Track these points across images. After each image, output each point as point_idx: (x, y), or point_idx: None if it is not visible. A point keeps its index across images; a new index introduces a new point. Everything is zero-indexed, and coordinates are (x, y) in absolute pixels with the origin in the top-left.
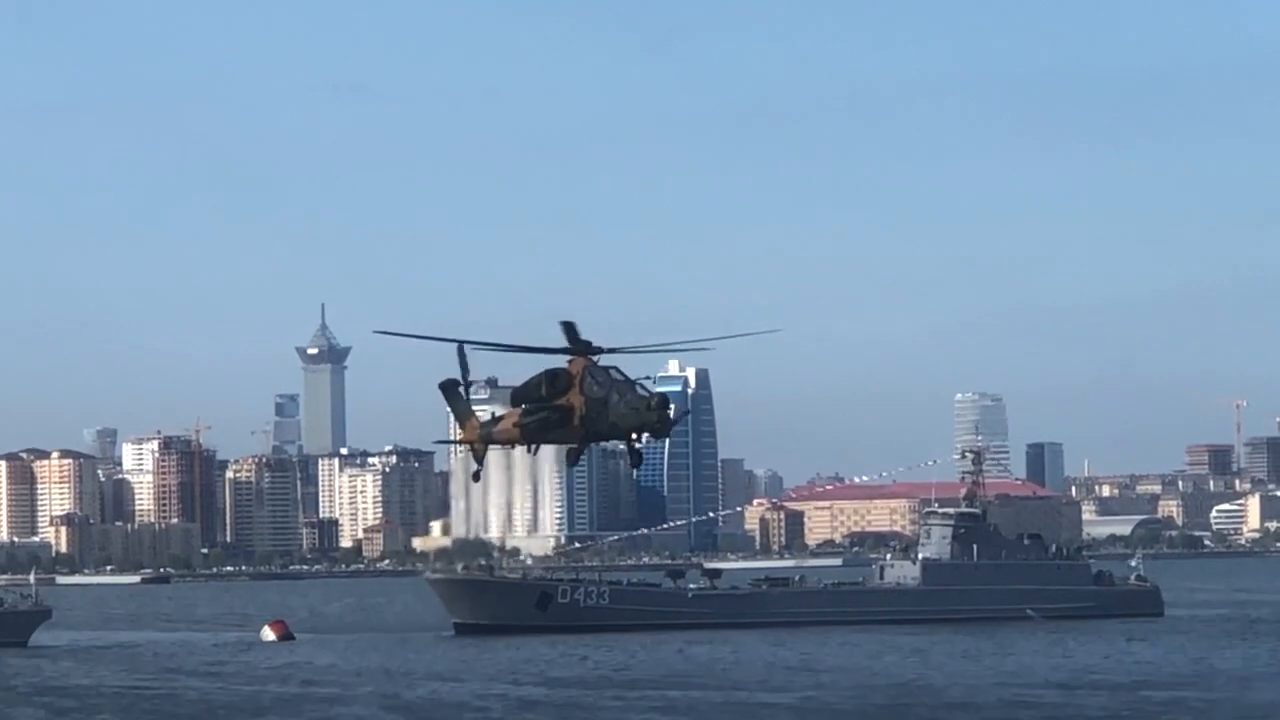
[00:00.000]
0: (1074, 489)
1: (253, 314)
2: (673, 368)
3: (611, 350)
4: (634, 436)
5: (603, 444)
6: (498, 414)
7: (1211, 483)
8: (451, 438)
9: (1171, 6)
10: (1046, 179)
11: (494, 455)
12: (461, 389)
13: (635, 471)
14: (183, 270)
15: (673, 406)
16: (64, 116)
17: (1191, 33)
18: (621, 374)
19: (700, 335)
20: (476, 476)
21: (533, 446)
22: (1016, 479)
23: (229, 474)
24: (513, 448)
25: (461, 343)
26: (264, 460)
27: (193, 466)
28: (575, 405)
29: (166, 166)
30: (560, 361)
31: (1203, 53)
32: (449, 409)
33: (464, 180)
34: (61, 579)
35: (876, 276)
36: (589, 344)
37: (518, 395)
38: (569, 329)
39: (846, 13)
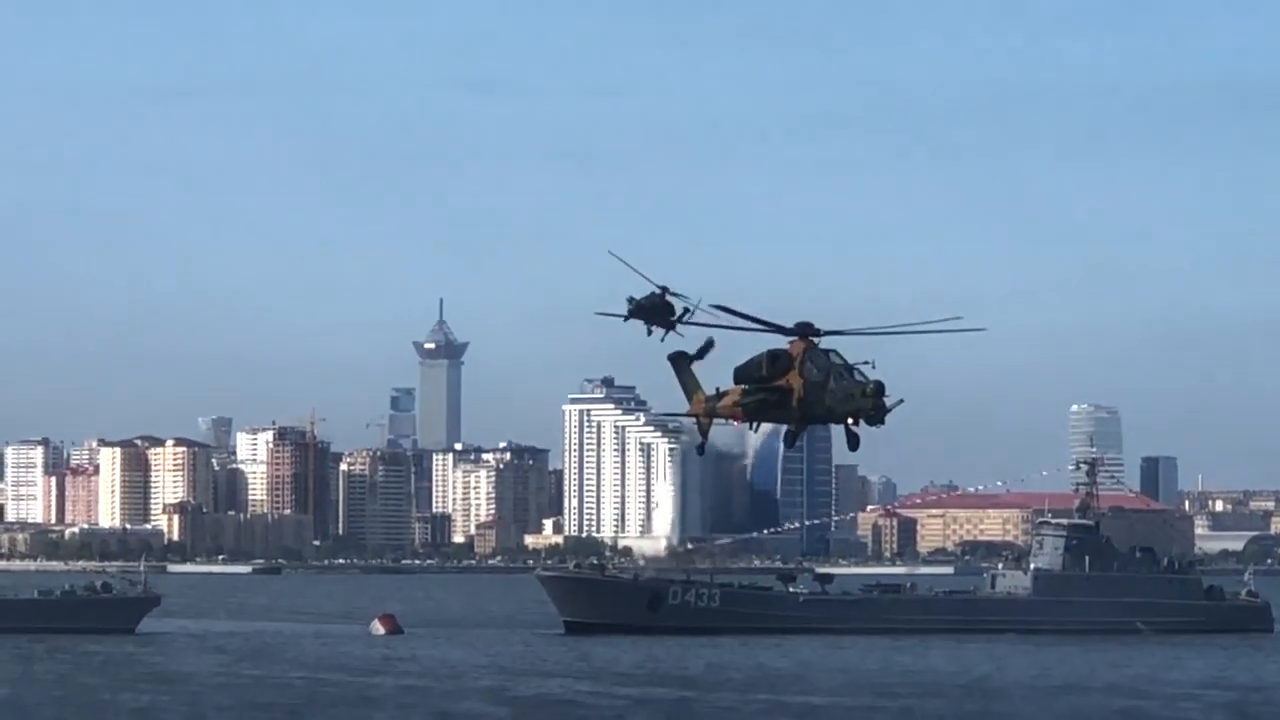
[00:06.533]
0: (1187, 503)
1: (371, 307)
2: None
3: (830, 333)
4: (850, 420)
5: (719, 446)
6: (721, 390)
7: None
8: (676, 412)
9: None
10: (1171, 188)
11: (608, 458)
12: (690, 363)
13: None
14: (302, 260)
15: (889, 394)
16: (192, 102)
17: None
18: (841, 358)
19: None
20: (701, 450)
21: (754, 424)
22: (1130, 491)
23: (343, 466)
24: (735, 424)
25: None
26: (378, 454)
27: (306, 458)
28: (794, 387)
29: (290, 155)
30: (782, 342)
31: None
32: (678, 381)
33: (588, 175)
34: (173, 567)
35: (996, 282)
36: (810, 325)
37: (740, 373)
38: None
39: (988, 13)
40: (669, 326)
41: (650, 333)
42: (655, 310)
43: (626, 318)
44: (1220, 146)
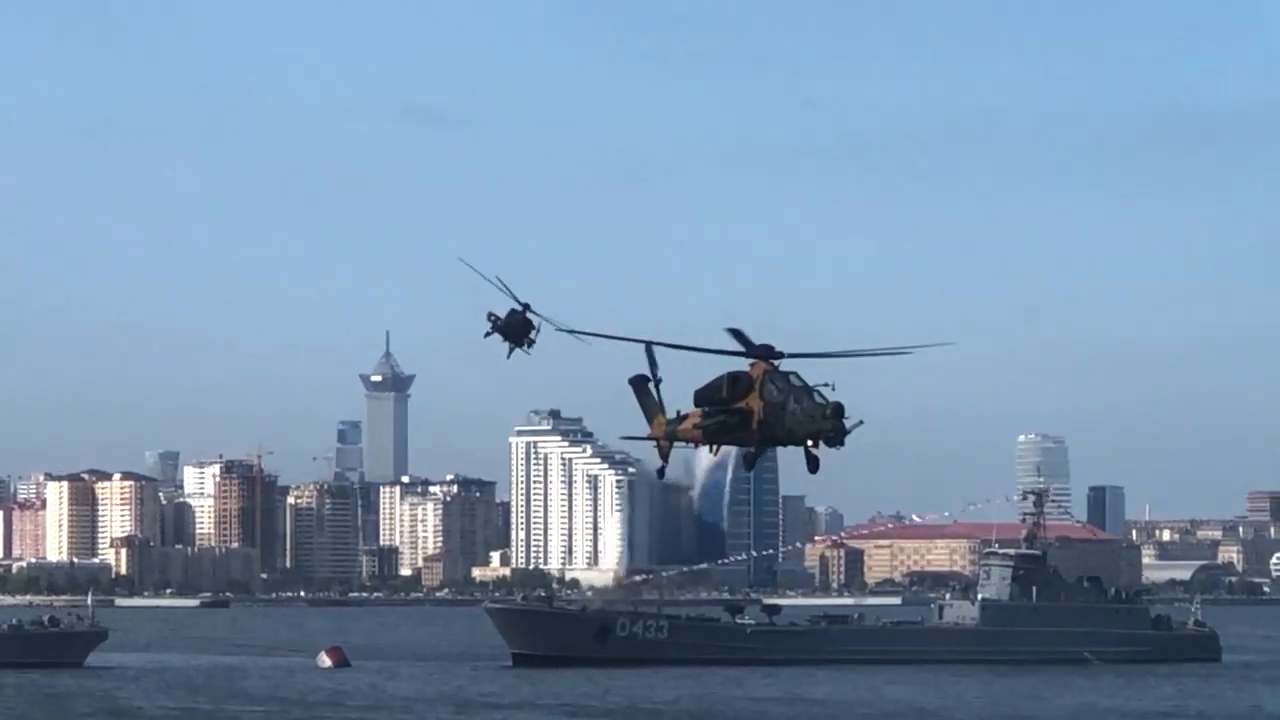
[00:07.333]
0: (1134, 533)
1: (317, 340)
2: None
3: (792, 355)
4: (810, 443)
5: (667, 478)
6: (682, 412)
7: (1272, 529)
8: (637, 435)
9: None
10: (1116, 219)
11: (555, 490)
12: (652, 385)
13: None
14: (248, 293)
15: (848, 416)
16: (138, 133)
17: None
18: (801, 380)
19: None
20: (661, 473)
21: (714, 447)
22: (1077, 521)
23: (290, 500)
24: (696, 446)
25: (649, 343)
26: (325, 487)
27: (254, 491)
28: (754, 409)
29: (236, 187)
30: (742, 364)
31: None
32: (638, 404)
33: (535, 208)
34: (121, 601)
35: (942, 314)
36: (770, 348)
37: (700, 396)
38: (739, 336)
39: (922, 48)
40: (525, 344)
41: (510, 351)
42: (515, 328)
43: (487, 334)
44: (1160, 177)
